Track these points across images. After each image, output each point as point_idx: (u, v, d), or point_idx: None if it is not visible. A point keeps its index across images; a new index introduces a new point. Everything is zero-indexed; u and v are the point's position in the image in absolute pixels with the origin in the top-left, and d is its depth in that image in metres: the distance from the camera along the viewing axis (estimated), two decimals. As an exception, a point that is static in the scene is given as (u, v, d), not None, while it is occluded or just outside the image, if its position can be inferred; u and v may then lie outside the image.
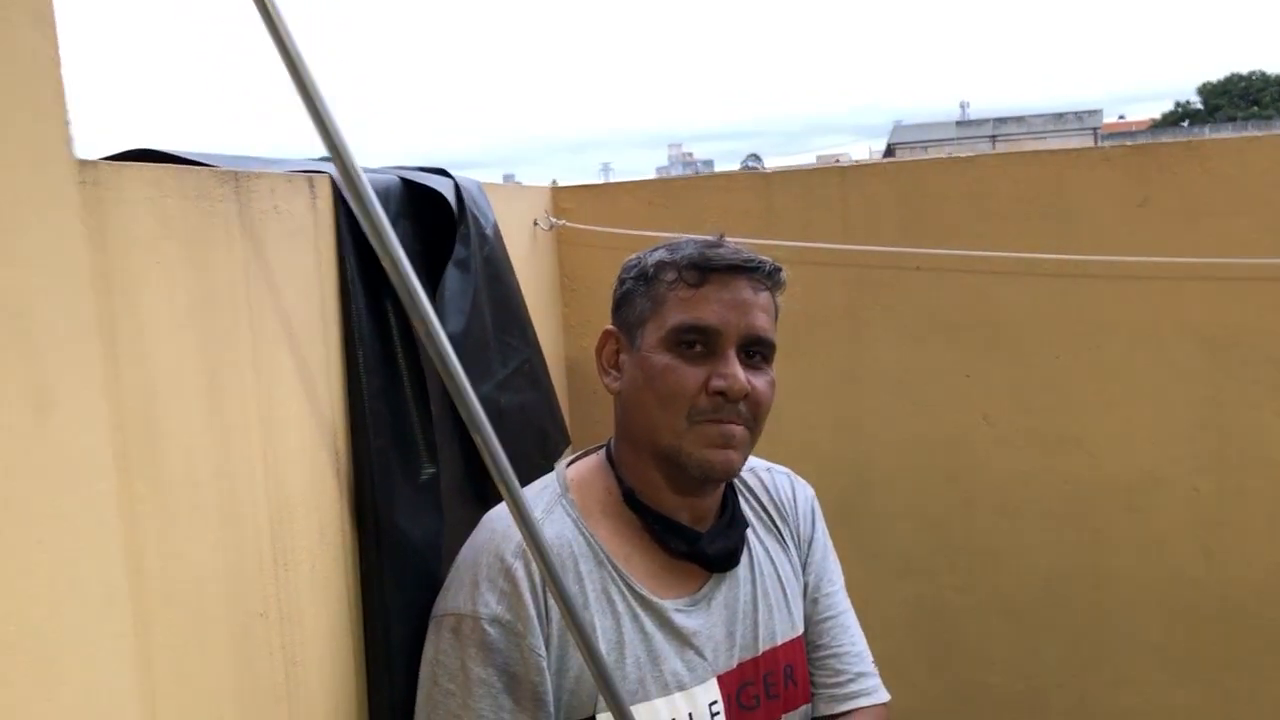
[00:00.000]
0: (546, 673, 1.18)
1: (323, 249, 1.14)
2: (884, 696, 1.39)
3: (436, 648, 1.20)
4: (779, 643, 1.34)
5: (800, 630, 1.38)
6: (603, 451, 1.35)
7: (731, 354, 1.23)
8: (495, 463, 1.00)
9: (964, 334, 2.14)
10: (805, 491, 1.46)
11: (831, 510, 1.48)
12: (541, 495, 1.29)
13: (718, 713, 1.26)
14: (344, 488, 1.16)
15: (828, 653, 1.38)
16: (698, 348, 1.23)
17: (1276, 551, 2.00)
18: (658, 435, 1.24)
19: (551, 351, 2.10)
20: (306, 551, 1.08)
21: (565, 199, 2.37)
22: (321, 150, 0.96)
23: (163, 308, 0.85)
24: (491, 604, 1.18)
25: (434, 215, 1.41)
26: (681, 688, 1.24)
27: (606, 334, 1.34)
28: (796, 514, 1.42)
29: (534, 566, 1.18)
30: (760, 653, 1.32)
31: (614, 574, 1.24)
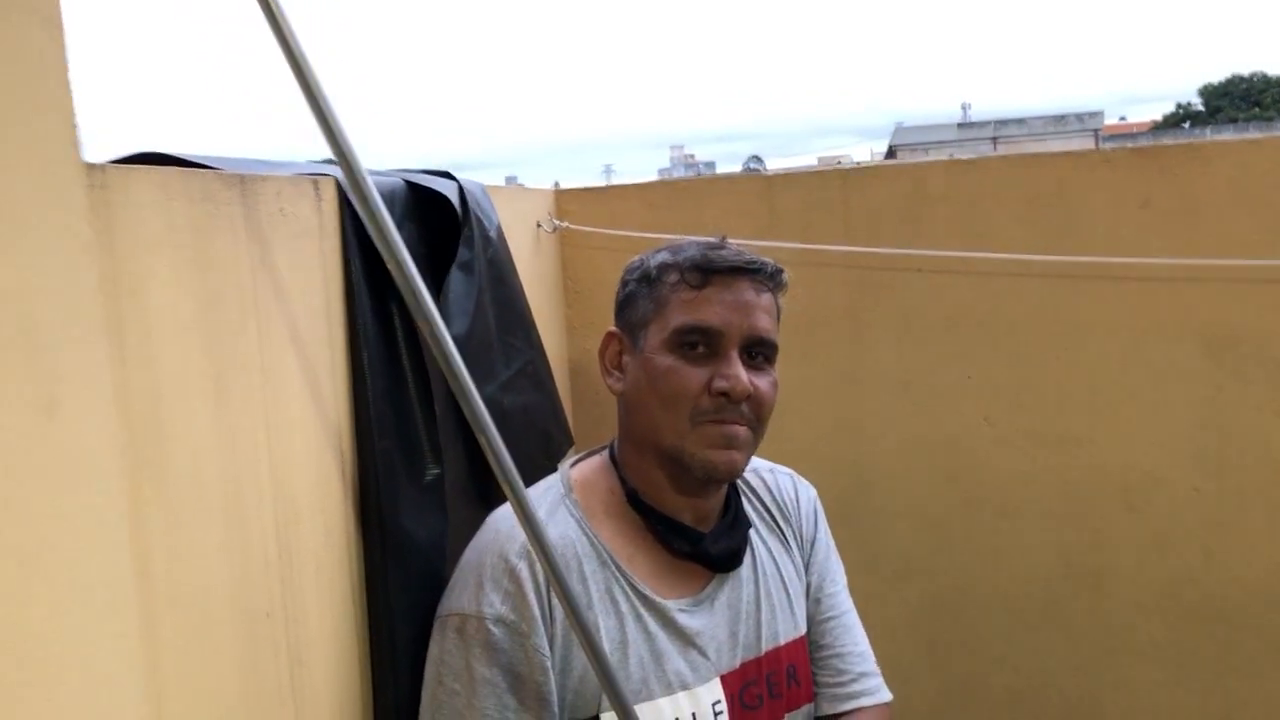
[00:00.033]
0: (550, 672, 1.19)
1: (328, 251, 1.15)
2: (886, 696, 1.39)
3: (441, 648, 1.21)
4: (782, 643, 1.34)
5: (803, 630, 1.38)
6: (606, 452, 1.35)
7: (734, 355, 1.24)
8: (499, 464, 1.01)
9: (965, 335, 2.15)
10: (808, 492, 1.46)
11: (832, 510, 1.49)
12: (545, 496, 1.29)
13: (721, 712, 1.26)
14: (349, 489, 1.17)
15: (830, 652, 1.38)
16: (700, 349, 1.24)
17: (1277, 552, 2.01)
18: (661, 436, 1.25)
19: (555, 353, 2.11)
20: (311, 552, 1.08)
21: (568, 201, 2.37)
22: (322, 151, 0.96)
23: (169, 310, 0.86)
24: (496, 604, 1.19)
25: (438, 218, 1.41)
26: (685, 687, 1.25)
27: (609, 335, 1.34)
28: (799, 514, 1.43)
29: (538, 567, 1.18)
30: (763, 653, 1.32)
31: (617, 574, 1.25)
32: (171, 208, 0.87)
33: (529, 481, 1.15)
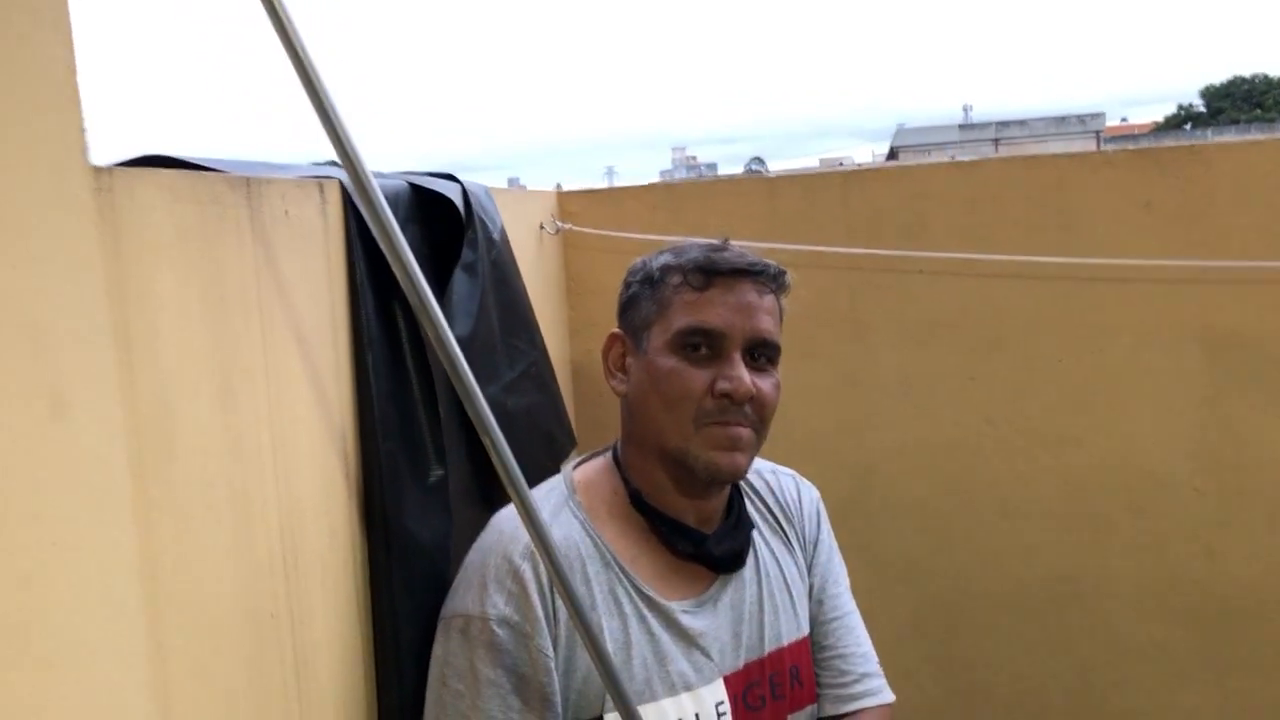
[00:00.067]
0: (554, 673, 1.19)
1: (333, 253, 1.15)
2: (889, 697, 1.39)
3: (445, 649, 1.21)
4: (785, 644, 1.35)
5: (806, 631, 1.38)
6: (609, 453, 1.36)
7: (737, 356, 1.24)
8: (503, 465, 1.01)
9: (966, 337, 2.15)
10: (810, 493, 1.47)
11: (834, 511, 1.49)
12: (549, 497, 1.29)
13: (724, 713, 1.26)
14: (353, 490, 1.17)
15: (833, 653, 1.39)
16: (703, 350, 1.24)
17: (1277, 552, 2.01)
18: (664, 438, 1.25)
19: (558, 354, 2.11)
20: (316, 554, 1.08)
21: (571, 203, 2.38)
22: (323, 151, 0.96)
23: (175, 312, 0.86)
24: (500, 605, 1.19)
25: (442, 220, 1.42)
26: (688, 688, 1.25)
27: (612, 337, 1.34)
28: (802, 516, 1.43)
29: (541, 568, 1.18)
30: (766, 654, 1.32)
31: (621, 575, 1.25)
32: (177, 210, 0.87)
33: (532, 483, 1.15)
